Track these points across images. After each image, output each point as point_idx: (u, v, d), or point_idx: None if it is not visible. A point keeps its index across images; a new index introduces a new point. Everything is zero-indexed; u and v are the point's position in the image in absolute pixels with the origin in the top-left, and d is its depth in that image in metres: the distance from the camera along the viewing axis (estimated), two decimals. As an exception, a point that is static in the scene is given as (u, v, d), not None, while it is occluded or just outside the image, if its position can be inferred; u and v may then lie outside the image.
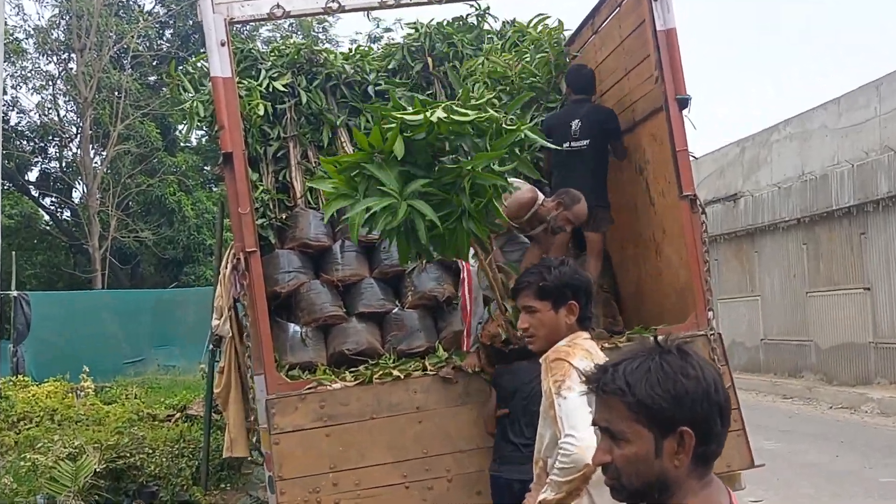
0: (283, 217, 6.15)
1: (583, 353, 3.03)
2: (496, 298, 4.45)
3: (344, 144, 6.51)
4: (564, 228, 5.06)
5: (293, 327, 5.60)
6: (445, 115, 3.49)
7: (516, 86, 6.31)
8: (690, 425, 1.57)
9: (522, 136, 3.79)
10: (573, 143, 5.56)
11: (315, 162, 6.46)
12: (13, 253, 17.41)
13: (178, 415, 9.15)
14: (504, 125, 3.72)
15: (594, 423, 1.67)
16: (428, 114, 3.49)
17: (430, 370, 4.70)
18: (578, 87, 5.82)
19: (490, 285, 4.41)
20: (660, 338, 1.67)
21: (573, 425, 2.87)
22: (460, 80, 6.57)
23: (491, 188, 3.69)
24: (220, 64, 4.66)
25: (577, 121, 5.60)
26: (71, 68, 22.76)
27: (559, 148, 5.35)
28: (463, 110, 3.64)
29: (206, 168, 23.86)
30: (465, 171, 3.55)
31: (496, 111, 6.13)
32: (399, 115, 3.53)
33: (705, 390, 1.58)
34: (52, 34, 22.56)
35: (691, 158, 5.01)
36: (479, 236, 3.72)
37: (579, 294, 3.15)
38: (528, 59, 6.39)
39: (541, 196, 5.16)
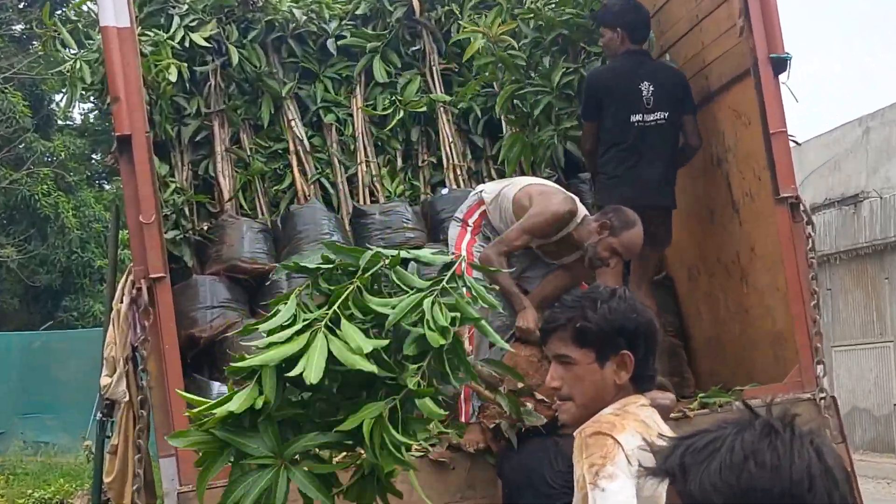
0: (205, 228, 6.16)
1: (636, 425, 2.99)
2: (482, 394, 4.47)
3: (292, 123, 6.52)
4: (606, 262, 5.01)
5: (217, 387, 5.58)
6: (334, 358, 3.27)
7: (544, 17, 6.28)
8: None
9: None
10: (647, 117, 5.54)
11: (251, 148, 6.47)
12: None
13: (51, 514, 9.12)
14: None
15: None
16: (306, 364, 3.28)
17: (417, 450, 4.68)
18: (638, 34, 5.73)
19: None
20: (755, 402, 1.67)
21: (612, 529, 2.84)
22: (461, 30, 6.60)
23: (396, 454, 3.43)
24: (113, 8, 4.68)
25: (647, 83, 5.55)
26: None
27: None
28: (358, 343, 3.27)
29: (94, 157, 23.88)
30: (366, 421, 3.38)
31: (515, 55, 6.22)
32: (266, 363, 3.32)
33: (786, 488, 1.56)
34: None
35: (792, 144, 5.03)
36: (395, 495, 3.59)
37: (637, 341, 3.11)
38: None
39: (581, 210, 5.12)
